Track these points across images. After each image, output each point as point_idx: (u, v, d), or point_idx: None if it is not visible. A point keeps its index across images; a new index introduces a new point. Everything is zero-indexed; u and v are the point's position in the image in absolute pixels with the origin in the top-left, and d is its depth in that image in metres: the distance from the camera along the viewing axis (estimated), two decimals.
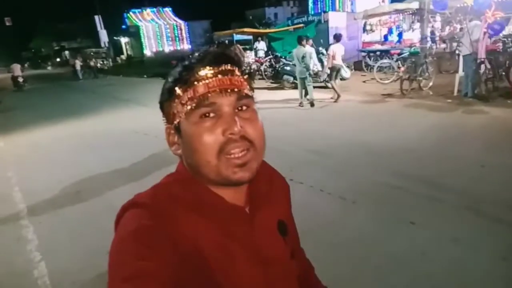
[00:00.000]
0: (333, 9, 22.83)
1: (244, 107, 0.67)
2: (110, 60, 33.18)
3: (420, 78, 8.72)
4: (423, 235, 2.94)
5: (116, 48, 38.90)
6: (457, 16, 10.05)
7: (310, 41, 8.89)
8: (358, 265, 2.63)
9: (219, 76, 0.65)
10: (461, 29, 10.12)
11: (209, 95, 0.64)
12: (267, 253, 0.72)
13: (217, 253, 0.65)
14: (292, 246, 0.81)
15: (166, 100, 0.69)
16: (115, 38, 38.17)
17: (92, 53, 29.81)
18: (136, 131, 7.33)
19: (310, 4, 26.16)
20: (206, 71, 0.65)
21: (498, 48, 7.92)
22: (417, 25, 11.69)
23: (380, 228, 3.10)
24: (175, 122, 0.68)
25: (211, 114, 0.65)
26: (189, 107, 0.65)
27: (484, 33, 7.23)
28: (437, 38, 10.95)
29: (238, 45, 10.28)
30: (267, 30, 17.32)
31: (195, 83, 0.65)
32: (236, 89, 0.66)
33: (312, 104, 8.30)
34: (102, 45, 33.28)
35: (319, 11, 22.10)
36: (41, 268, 2.95)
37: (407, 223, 3.12)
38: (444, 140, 5.25)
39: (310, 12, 23.95)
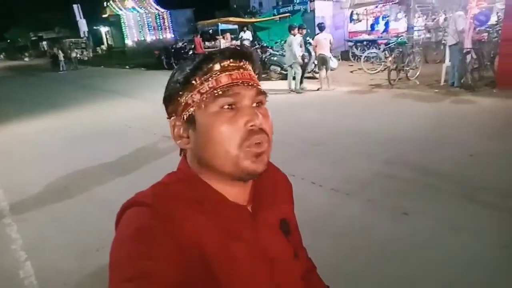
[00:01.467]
0: None
1: (260, 103, 0.69)
2: (90, 50, 32.39)
3: (407, 68, 8.77)
4: (419, 223, 2.94)
5: (96, 38, 37.94)
6: (442, 6, 10.10)
7: (304, 30, 8.95)
8: (356, 256, 2.61)
9: (241, 70, 0.67)
10: (445, 19, 10.18)
11: (234, 86, 0.65)
12: (270, 253, 0.72)
13: (220, 252, 0.64)
14: (295, 245, 0.81)
15: (179, 90, 0.68)
16: (94, 27, 37.20)
17: (71, 44, 28.99)
18: (123, 123, 7.17)
19: None
20: (228, 63, 0.66)
21: (483, 38, 8.00)
22: (402, 14, 11.72)
23: (376, 218, 3.08)
24: (188, 113, 0.67)
25: (232, 106, 0.65)
26: (210, 96, 0.64)
27: (470, 23, 7.28)
28: (423, 28, 10.99)
29: (229, 34, 10.17)
30: (253, 20, 17.10)
31: (218, 73, 0.65)
32: (255, 84, 0.67)
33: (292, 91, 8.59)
34: (82, 35, 32.37)
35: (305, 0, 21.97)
36: (27, 268, 2.83)
37: (403, 212, 3.11)
38: (433, 130, 5.30)
39: (295, 1, 23.80)
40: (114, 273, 0.57)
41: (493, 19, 8.32)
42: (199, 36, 16.20)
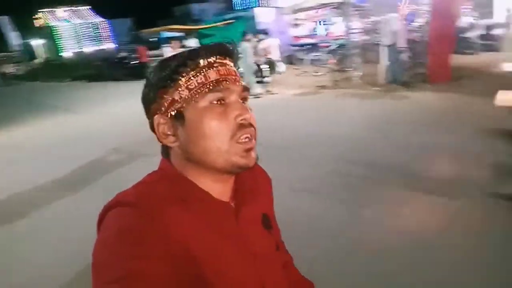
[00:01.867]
0: (258, 4, 23.22)
1: (244, 100, 0.70)
2: (24, 64, 30.44)
3: (349, 69, 9.23)
4: (381, 217, 3.13)
5: (29, 51, 35.78)
6: (377, 9, 10.75)
7: (260, 36, 9.15)
8: (324, 254, 2.72)
9: (227, 66, 0.68)
10: (381, 21, 10.82)
11: (223, 81, 0.66)
12: (254, 247, 0.72)
13: (207, 249, 0.64)
14: (276, 239, 0.82)
15: (164, 87, 0.67)
16: (26, 40, 35.02)
17: (3, 58, 27.09)
18: (68, 139, 6.95)
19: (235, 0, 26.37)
20: (214, 59, 0.67)
21: (416, 38, 8.65)
22: (340, 18, 12.31)
23: (339, 216, 3.22)
24: (175, 109, 0.66)
25: (221, 101, 0.66)
26: (201, 92, 0.65)
27: (403, 24, 7.86)
28: (361, 31, 11.61)
29: (178, 42, 10.10)
30: (198, 26, 17.04)
31: (206, 69, 0.66)
32: (240, 80, 0.69)
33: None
34: (15, 48, 30.35)
35: (246, 6, 22.31)
36: None
37: (365, 207, 3.30)
38: (378, 125, 5.66)
39: (235, 8, 24.05)
40: (99, 274, 0.55)
41: (422, 20, 9.01)
42: (143, 45, 15.88)
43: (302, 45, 13.74)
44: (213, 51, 0.68)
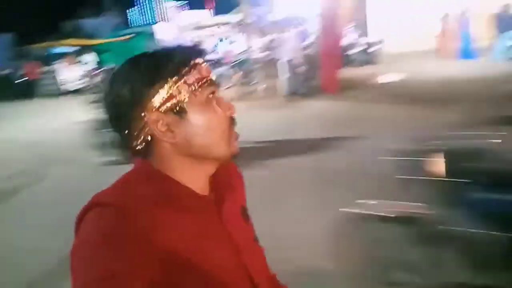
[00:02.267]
0: (155, 21, 22.93)
1: None
2: None
3: (253, 83, 9.85)
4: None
5: None
6: (276, 27, 11.61)
7: None
8: None
9: (206, 64, 0.74)
10: (279, 38, 11.69)
11: (211, 77, 0.71)
12: (237, 239, 0.74)
13: (194, 246, 0.65)
14: (253, 230, 0.86)
15: (159, 82, 0.66)
16: None
17: None
18: None
19: (131, 16, 25.65)
20: (199, 59, 0.71)
21: (309, 54, 9.62)
22: (240, 35, 12.99)
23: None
24: (174, 104, 0.66)
25: (214, 95, 0.71)
26: (200, 86, 0.68)
27: (298, 41, 8.74)
28: (263, 47, 12.39)
29: (74, 57, 9.51)
30: (95, 41, 16.18)
31: (198, 66, 0.70)
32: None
33: None
34: None
35: (144, 23, 21.93)
36: None
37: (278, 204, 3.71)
38: (283, 130, 6.29)
39: (132, 25, 23.42)
40: (79, 274, 0.54)
41: (313, 38, 10.06)
42: (30, 60, 14.61)
43: (207, 61, 14.08)
44: (195, 51, 0.73)
